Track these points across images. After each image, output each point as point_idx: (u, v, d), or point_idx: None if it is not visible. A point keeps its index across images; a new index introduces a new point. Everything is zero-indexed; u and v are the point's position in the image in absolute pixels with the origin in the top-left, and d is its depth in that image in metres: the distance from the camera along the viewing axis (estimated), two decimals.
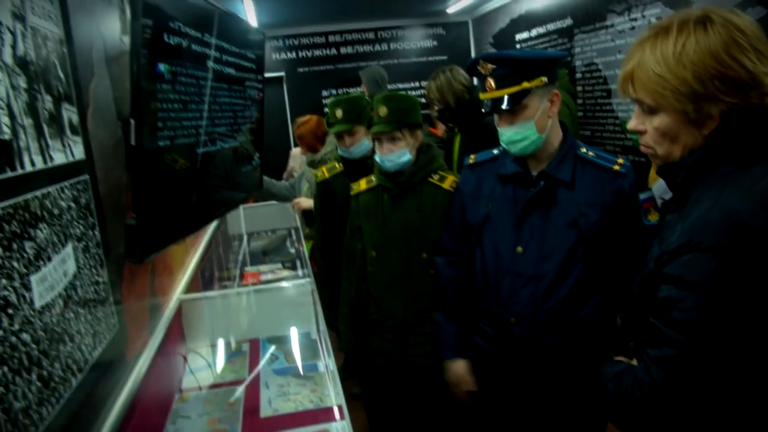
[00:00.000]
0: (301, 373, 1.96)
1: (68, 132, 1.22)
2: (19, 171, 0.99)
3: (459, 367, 1.83)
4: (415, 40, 6.27)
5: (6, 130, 0.95)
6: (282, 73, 6.04)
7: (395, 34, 6.22)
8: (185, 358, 2.09)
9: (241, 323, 2.30)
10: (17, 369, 0.92)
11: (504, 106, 1.53)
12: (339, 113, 2.39)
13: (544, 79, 1.52)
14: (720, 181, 1.00)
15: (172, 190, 1.61)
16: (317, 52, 6.11)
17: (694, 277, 0.96)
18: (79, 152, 1.26)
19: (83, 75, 1.35)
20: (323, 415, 1.69)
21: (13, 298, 0.93)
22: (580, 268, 1.58)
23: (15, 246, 0.95)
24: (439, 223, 1.97)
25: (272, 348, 2.16)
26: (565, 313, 1.59)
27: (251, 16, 4.73)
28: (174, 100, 1.57)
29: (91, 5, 1.50)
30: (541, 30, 4.58)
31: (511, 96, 1.52)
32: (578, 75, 4.00)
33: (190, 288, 2.32)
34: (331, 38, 6.12)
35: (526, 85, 1.51)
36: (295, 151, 4.20)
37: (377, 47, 6.21)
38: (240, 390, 1.86)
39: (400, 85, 6.17)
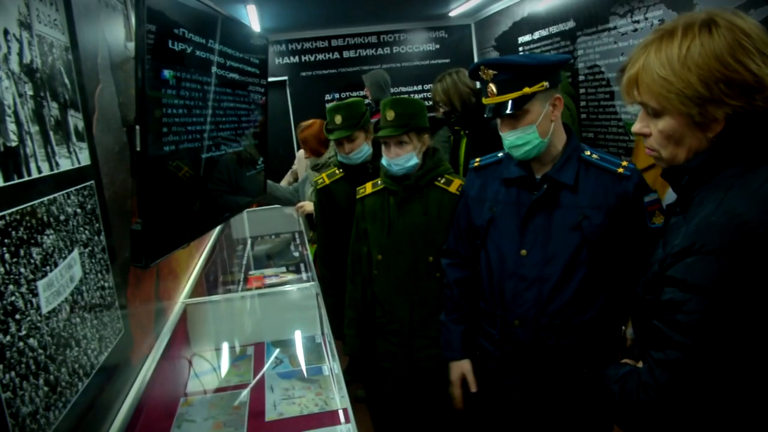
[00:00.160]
0: (306, 376, 1.97)
1: (74, 138, 1.23)
2: (26, 177, 1.00)
3: (463, 367, 1.83)
4: (418, 43, 6.29)
5: (13, 137, 0.97)
6: (285, 78, 6.06)
7: (398, 37, 6.24)
8: (190, 362, 2.09)
9: (245, 327, 2.30)
10: (24, 374, 0.93)
11: (506, 112, 1.54)
12: (338, 119, 2.38)
13: (546, 83, 1.53)
14: (724, 183, 1.00)
15: (177, 195, 1.62)
16: (320, 57, 6.13)
17: (697, 279, 0.96)
18: (84, 158, 1.28)
19: (88, 82, 1.37)
20: (328, 418, 1.69)
21: (20, 303, 0.93)
22: (583, 270, 1.58)
23: (22, 252, 0.96)
24: (445, 226, 1.98)
25: (277, 351, 2.16)
26: (568, 315, 1.59)
27: (254, 21, 4.75)
28: (178, 106, 1.58)
29: (96, 13, 1.51)
30: (543, 33, 4.58)
31: (513, 101, 1.53)
32: (581, 77, 4.00)
33: (195, 292, 2.33)
34: (333, 42, 6.14)
35: (527, 90, 1.52)
36: (300, 154, 4.21)
37: (380, 51, 6.22)
38: (245, 393, 1.87)
39: (403, 89, 6.19)
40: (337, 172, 2.55)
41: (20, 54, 1.02)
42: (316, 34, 6.07)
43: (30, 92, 1.05)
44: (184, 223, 1.68)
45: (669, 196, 1.89)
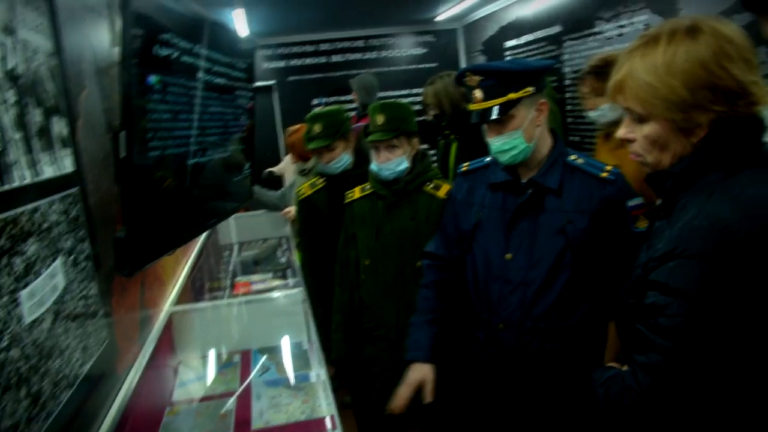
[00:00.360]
0: (293, 383, 1.95)
1: (58, 145, 1.21)
2: (8, 186, 0.98)
3: (426, 373, 1.74)
4: (405, 47, 6.30)
5: None
6: (273, 82, 6.05)
7: (385, 42, 6.25)
8: (176, 371, 2.07)
9: (232, 334, 2.28)
10: (6, 386, 0.91)
11: (492, 117, 1.55)
12: (317, 128, 2.32)
13: (531, 89, 1.54)
14: (707, 188, 1.01)
15: (162, 202, 1.60)
16: (308, 61, 6.12)
17: (679, 283, 0.98)
18: (68, 165, 1.26)
19: (73, 87, 1.35)
20: (315, 426, 1.68)
21: (1, 314, 0.92)
22: (567, 274, 1.59)
23: (4, 261, 0.94)
24: (433, 232, 1.98)
25: (264, 359, 2.15)
26: (552, 319, 1.60)
27: (242, 25, 4.73)
28: (164, 111, 1.56)
29: (81, 17, 1.50)
30: (530, 37, 4.62)
31: (498, 107, 1.54)
32: (567, 81, 4.04)
33: (181, 299, 2.31)
34: (321, 47, 6.13)
35: (512, 95, 1.53)
36: (287, 159, 4.20)
37: (367, 55, 6.23)
38: (231, 402, 1.85)
39: (391, 93, 6.19)
40: (318, 181, 2.51)
41: (4, 59, 1.01)
42: (304, 38, 6.06)
43: (13, 99, 1.03)
44: (169, 230, 1.66)
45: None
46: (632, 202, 1.57)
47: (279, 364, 2.10)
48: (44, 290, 1.08)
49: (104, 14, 1.69)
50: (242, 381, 1.99)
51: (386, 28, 6.18)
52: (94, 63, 1.54)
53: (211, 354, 2.22)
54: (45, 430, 1.03)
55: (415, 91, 6.15)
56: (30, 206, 1.06)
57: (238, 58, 2.22)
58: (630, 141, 1.13)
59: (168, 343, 2.07)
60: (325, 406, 1.72)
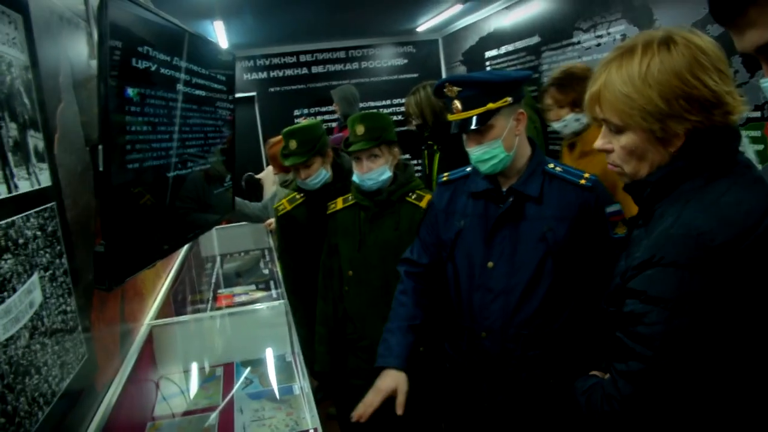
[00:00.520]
0: (277, 396, 1.94)
1: (34, 159, 1.20)
2: None
3: (400, 382, 1.66)
4: (386, 58, 6.33)
5: None
6: (254, 93, 6.04)
7: (366, 52, 6.28)
8: (157, 385, 2.05)
9: (214, 347, 2.26)
10: None
11: (471, 127, 1.56)
12: (293, 144, 2.26)
13: (509, 99, 1.56)
14: (683, 197, 1.03)
15: (142, 215, 1.59)
16: (288, 72, 6.12)
17: (657, 291, 0.99)
18: (45, 179, 1.24)
19: (50, 101, 1.34)
20: None
21: None
22: (549, 281, 1.60)
23: None
24: None
25: (247, 371, 2.13)
26: (535, 326, 1.61)
27: (222, 37, 4.72)
28: (143, 123, 1.55)
29: (58, 30, 1.49)
30: (509, 47, 4.66)
31: (477, 117, 1.55)
32: None
33: (163, 312, 2.28)
34: (302, 58, 6.14)
35: (491, 105, 1.54)
36: (268, 170, 4.19)
37: (348, 66, 6.25)
38: (214, 416, 1.83)
39: (372, 103, 6.21)
40: (297, 196, 2.46)
41: None
42: (284, 49, 6.06)
43: None
44: (149, 243, 1.65)
45: None
46: (610, 209, 1.60)
47: (262, 377, 2.08)
48: (20, 306, 1.06)
49: (81, 27, 1.68)
50: (225, 394, 1.97)
51: (367, 39, 6.21)
52: (72, 76, 1.53)
53: (194, 368, 2.19)
54: None
55: (396, 101, 6.19)
56: (5, 221, 1.04)
57: (217, 69, 2.22)
58: (608, 152, 1.14)
59: (149, 357, 2.04)
60: (309, 419, 1.71)
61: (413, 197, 2.08)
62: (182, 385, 2.08)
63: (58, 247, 1.28)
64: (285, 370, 2.13)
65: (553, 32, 3.95)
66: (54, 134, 1.35)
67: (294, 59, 6.12)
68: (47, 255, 1.21)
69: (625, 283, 1.05)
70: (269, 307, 2.36)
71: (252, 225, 3.86)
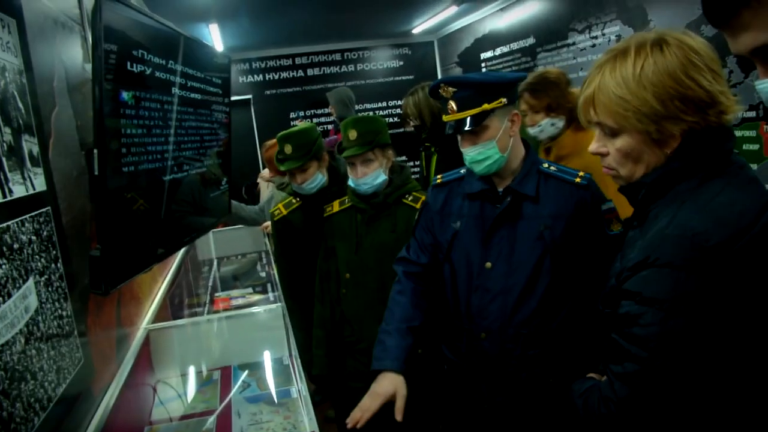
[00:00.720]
0: (275, 400, 1.93)
1: (28, 164, 1.19)
2: None
3: (398, 386, 1.61)
4: (382, 60, 6.34)
5: None
6: (249, 96, 6.04)
7: (362, 55, 6.29)
8: (155, 389, 2.04)
9: (212, 351, 2.26)
10: None
11: (466, 128, 1.56)
12: (288, 149, 2.23)
13: (504, 100, 1.56)
14: (678, 198, 1.03)
15: (137, 219, 1.58)
16: (284, 75, 6.13)
17: (652, 292, 0.99)
18: (40, 184, 1.24)
19: (44, 105, 1.34)
20: None
21: None
22: (547, 280, 1.60)
23: None
24: None
25: (244, 375, 2.12)
26: (534, 325, 1.61)
27: (217, 40, 4.73)
28: (138, 127, 1.55)
29: (52, 34, 1.48)
30: (505, 49, 4.68)
31: (472, 117, 1.56)
32: None
33: (160, 316, 2.27)
34: (297, 60, 6.15)
35: (486, 106, 1.55)
36: (265, 173, 4.19)
37: (344, 68, 6.26)
38: (211, 420, 1.83)
39: (368, 106, 6.22)
40: (293, 201, 2.44)
41: None
42: (280, 52, 6.07)
43: None
44: (145, 247, 1.64)
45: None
46: (604, 206, 1.60)
47: (260, 380, 2.08)
48: (15, 312, 1.06)
49: (76, 30, 1.68)
50: (222, 398, 1.97)
51: (362, 42, 6.22)
52: (66, 80, 1.53)
53: (191, 371, 2.19)
54: None
55: (392, 103, 6.19)
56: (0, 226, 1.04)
57: (213, 72, 2.22)
58: (603, 155, 1.13)
59: (146, 361, 2.03)
60: (307, 422, 1.70)
61: (410, 199, 2.08)
62: (179, 389, 2.07)
63: (54, 252, 1.28)
64: (282, 373, 2.12)
65: (548, 33, 3.96)
66: (49, 138, 1.34)
67: (290, 62, 6.12)
68: (42, 260, 1.21)
69: (621, 285, 1.05)
70: (266, 310, 2.35)
71: (249, 228, 3.85)
